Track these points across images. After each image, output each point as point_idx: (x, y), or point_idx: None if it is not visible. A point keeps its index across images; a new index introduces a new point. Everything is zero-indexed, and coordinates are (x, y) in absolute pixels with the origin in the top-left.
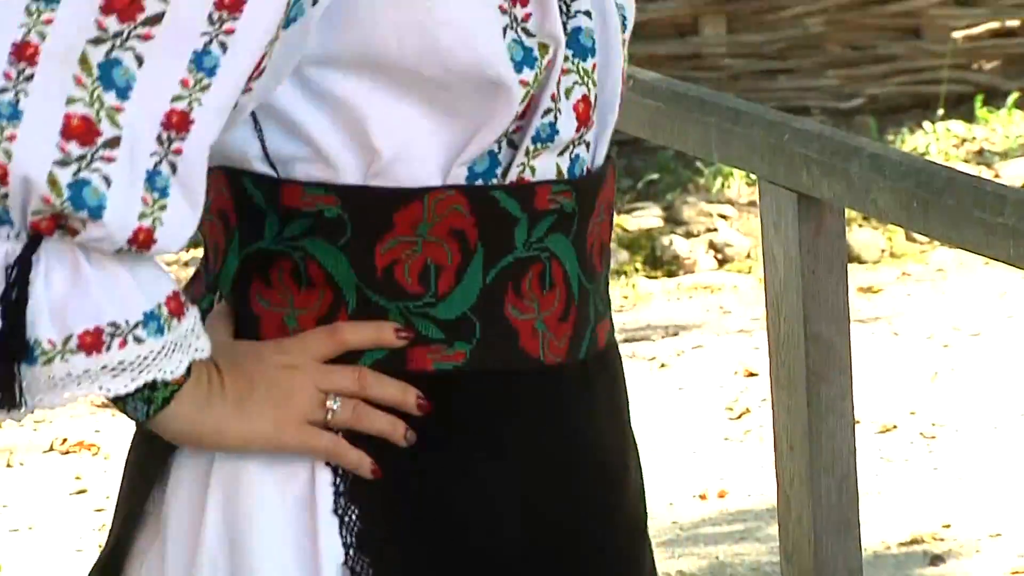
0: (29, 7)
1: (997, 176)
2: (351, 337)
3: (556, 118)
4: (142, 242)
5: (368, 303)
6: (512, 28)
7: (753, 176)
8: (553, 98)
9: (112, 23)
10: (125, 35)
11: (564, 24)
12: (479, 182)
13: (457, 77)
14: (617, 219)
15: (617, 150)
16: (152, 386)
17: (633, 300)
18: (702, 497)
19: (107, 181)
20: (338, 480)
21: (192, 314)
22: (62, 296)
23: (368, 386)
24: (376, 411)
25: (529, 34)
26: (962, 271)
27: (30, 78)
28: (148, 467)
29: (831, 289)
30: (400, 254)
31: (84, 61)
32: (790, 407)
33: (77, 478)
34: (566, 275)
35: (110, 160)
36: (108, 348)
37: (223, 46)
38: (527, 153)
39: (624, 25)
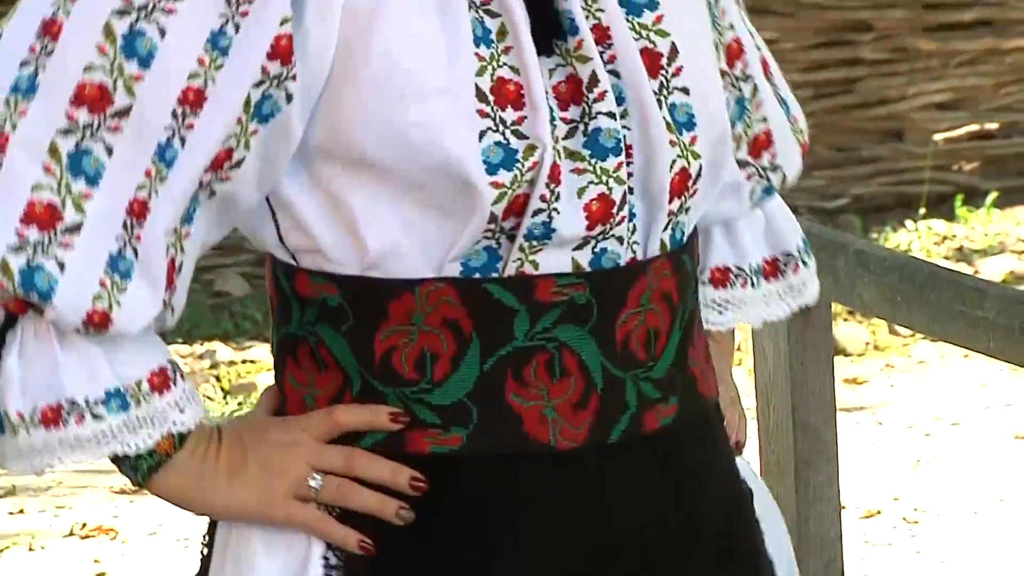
0: (8, 99)
1: (977, 272)
2: (347, 419)
3: (551, 217)
4: (97, 324)
5: (370, 387)
6: (496, 131)
7: None
8: (543, 198)
9: (82, 115)
10: (95, 126)
11: (583, 123)
12: (477, 275)
13: (430, 176)
14: None
15: None
16: (126, 460)
17: None
18: None
19: (61, 266)
20: (330, 555)
21: (179, 389)
22: (32, 372)
23: (357, 466)
24: (362, 489)
25: (521, 136)
26: (943, 363)
27: (0, 166)
28: (209, 532)
29: (818, 380)
30: (397, 342)
31: (54, 151)
32: (779, 493)
33: (96, 561)
34: (582, 364)
35: (67, 246)
36: (66, 424)
37: (184, 139)
38: (522, 249)
39: (684, 126)
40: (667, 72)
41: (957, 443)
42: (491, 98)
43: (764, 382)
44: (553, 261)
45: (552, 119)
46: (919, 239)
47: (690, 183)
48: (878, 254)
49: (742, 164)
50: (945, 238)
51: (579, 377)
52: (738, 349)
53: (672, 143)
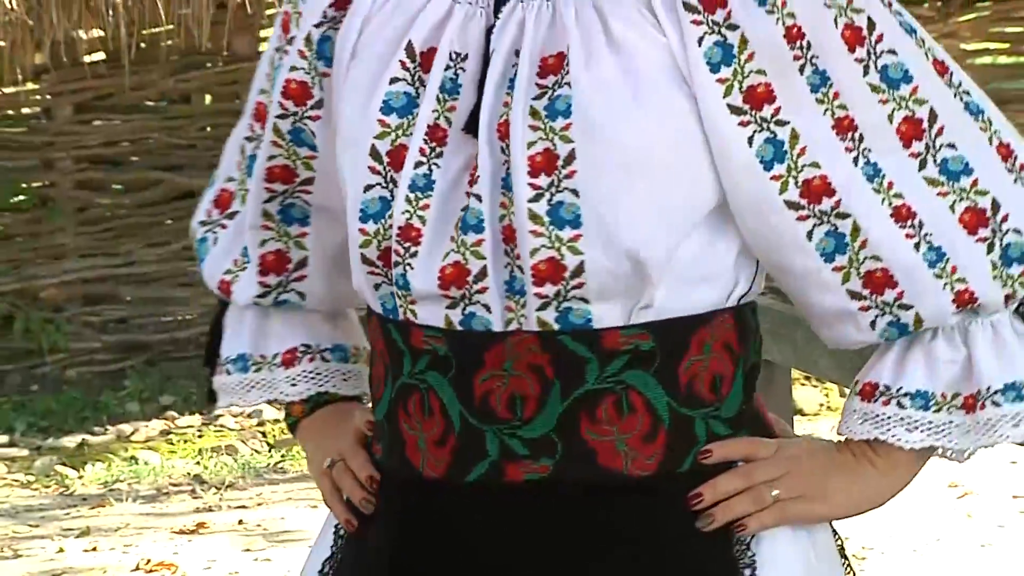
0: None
1: None
2: (361, 422)
3: (405, 271)
4: (224, 291)
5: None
6: (384, 187)
7: None
8: (398, 253)
9: (257, 128)
10: (260, 138)
11: (467, 203)
12: (388, 315)
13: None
14: None
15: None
16: (287, 415)
17: None
18: None
19: (215, 241)
20: (339, 527)
21: (300, 368)
22: (221, 332)
23: (347, 457)
24: (349, 476)
25: (393, 195)
26: None
27: (222, 166)
28: None
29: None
30: (373, 360)
31: (243, 152)
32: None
33: None
34: (443, 407)
35: (224, 227)
36: (218, 373)
37: (258, 153)
38: (400, 297)
39: (568, 223)
40: (560, 172)
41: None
42: (386, 159)
43: None
44: (428, 313)
45: (426, 188)
46: None
47: (567, 275)
48: None
49: (855, 295)
50: None
51: (440, 417)
52: None
53: (536, 233)
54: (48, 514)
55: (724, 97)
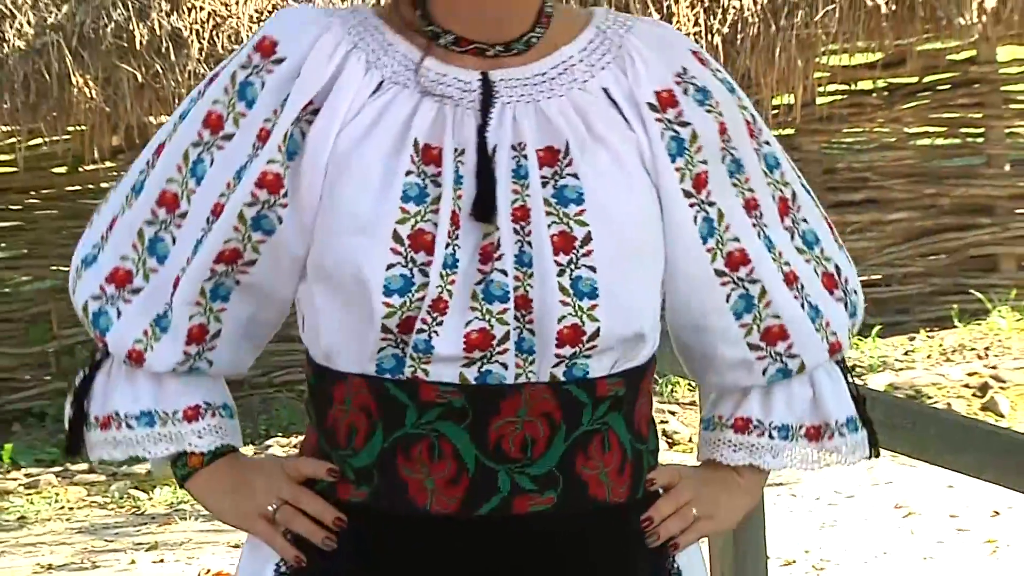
0: (127, 195)
1: (866, 384)
2: (304, 469)
3: (431, 338)
4: (135, 360)
5: (322, 447)
6: (404, 266)
7: (694, 383)
8: (425, 322)
9: (162, 213)
10: (168, 223)
11: (487, 273)
12: (385, 375)
13: (348, 287)
14: None
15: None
16: (176, 464)
17: None
18: None
19: (118, 314)
20: (280, 564)
21: (205, 423)
22: (100, 390)
23: (301, 500)
24: (302, 518)
25: (424, 274)
26: None
27: (107, 240)
28: None
29: None
30: (339, 415)
31: (140, 235)
32: (722, 547)
33: None
34: (456, 451)
35: (128, 302)
36: (110, 428)
37: (204, 238)
38: (413, 359)
39: (587, 295)
40: (578, 252)
41: (852, 510)
42: (407, 242)
43: None
44: (442, 372)
45: (453, 266)
46: None
47: (585, 338)
48: None
49: (754, 347)
50: (854, 366)
51: (452, 460)
52: (689, 440)
53: (564, 303)
54: (122, 531)
55: (680, 183)
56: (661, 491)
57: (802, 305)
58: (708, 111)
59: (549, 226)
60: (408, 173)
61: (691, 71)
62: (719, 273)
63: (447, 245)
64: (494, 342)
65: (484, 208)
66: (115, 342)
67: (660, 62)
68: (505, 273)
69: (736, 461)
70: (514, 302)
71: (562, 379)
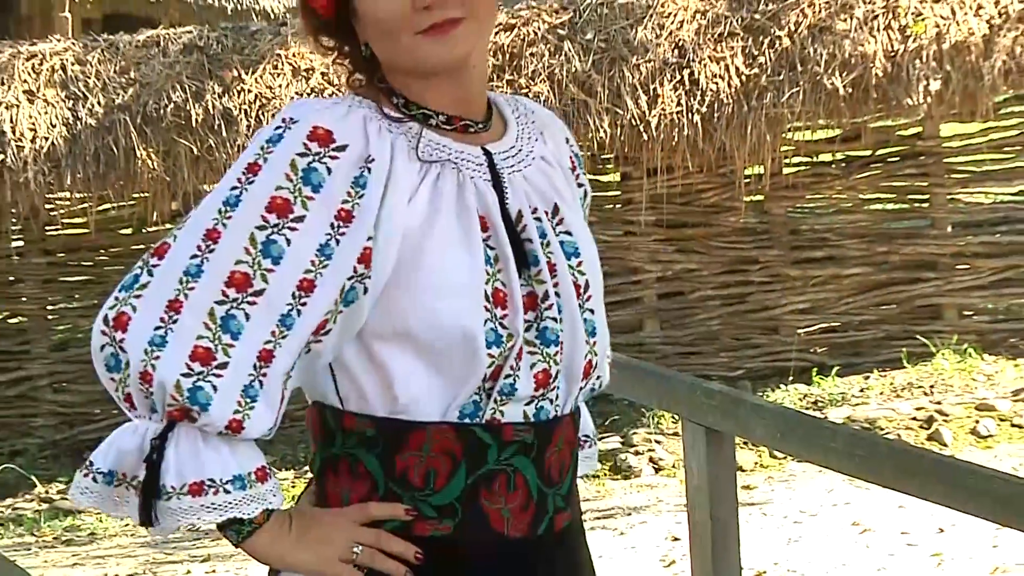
0: (182, 279)
1: (827, 418)
2: (378, 512)
3: (515, 381)
4: (234, 429)
5: (392, 491)
6: (491, 321)
7: (677, 416)
8: (512, 368)
9: (232, 293)
10: (240, 300)
11: (536, 323)
12: (466, 420)
13: (450, 347)
14: None
15: (594, 399)
16: (240, 523)
17: (603, 494)
18: None
19: (215, 388)
20: None
21: (272, 481)
22: (183, 459)
23: (384, 542)
24: (384, 557)
25: (503, 327)
26: (806, 476)
27: (176, 322)
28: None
29: (724, 487)
30: (413, 462)
31: (212, 314)
32: (702, 560)
33: None
34: (526, 481)
35: (219, 376)
36: (205, 494)
37: (299, 312)
38: (495, 402)
39: (590, 333)
40: (583, 298)
41: (814, 527)
42: (491, 300)
43: (691, 488)
44: (512, 412)
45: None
46: (788, 397)
47: (592, 370)
48: (765, 406)
49: None
50: (805, 395)
51: (524, 490)
52: (673, 467)
53: (586, 342)
54: (179, 545)
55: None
56: None
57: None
58: (584, 176)
59: (572, 277)
60: (484, 240)
61: (571, 142)
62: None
63: (520, 299)
64: (551, 381)
65: (524, 262)
66: (217, 414)
67: (559, 136)
68: (555, 320)
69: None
70: (560, 344)
71: (574, 409)
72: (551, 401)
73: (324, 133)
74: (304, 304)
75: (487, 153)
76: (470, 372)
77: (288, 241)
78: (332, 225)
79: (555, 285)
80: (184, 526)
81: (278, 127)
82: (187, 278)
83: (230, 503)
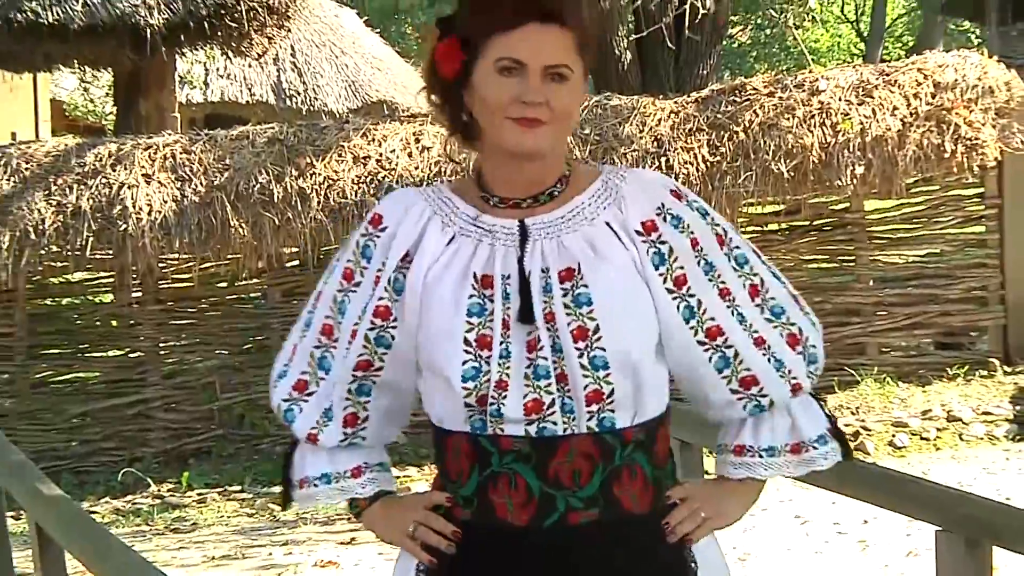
0: (301, 329)
1: None
2: (434, 499)
3: (500, 408)
4: (311, 440)
5: (444, 483)
6: (474, 361)
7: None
8: (493, 398)
9: (323, 340)
10: (327, 346)
11: (532, 363)
12: (476, 432)
13: (439, 379)
14: None
15: None
16: (353, 504)
17: None
18: None
19: (300, 409)
20: (419, 567)
21: (366, 477)
22: (296, 463)
23: (429, 521)
24: (431, 533)
25: (487, 364)
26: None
27: (291, 361)
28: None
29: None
30: (451, 462)
31: (312, 356)
32: None
33: None
34: (527, 484)
35: (306, 402)
36: (304, 487)
37: (347, 355)
38: (492, 421)
39: (600, 367)
40: (591, 338)
41: (765, 519)
42: (474, 344)
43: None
44: (513, 429)
45: (507, 356)
46: None
47: (604, 398)
48: None
49: (735, 391)
50: None
51: (524, 490)
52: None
53: (585, 375)
54: (262, 532)
55: (663, 284)
56: (678, 502)
57: (768, 360)
58: (681, 232)
59: (569, 323)
60: (471, 296)
61: (667, 205)
62: (700, 343)
63: (501, 343)
64: (544, 407)
65: (526, 314)
66: (299, 429)
67: (645, 201)
68: (546, 359)
69: (737, 475)
70: (555, 378)
71: (597, 429)
72: (554, 423)
73: (377, 218)
74: (349, 348)
75: (522, 225)
76: (455, 398)
77: (349, 301)
78: (372, 287)
79: (552, 331)
80: (303, 508)
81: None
82: (304, 328)
83: (320, 494)
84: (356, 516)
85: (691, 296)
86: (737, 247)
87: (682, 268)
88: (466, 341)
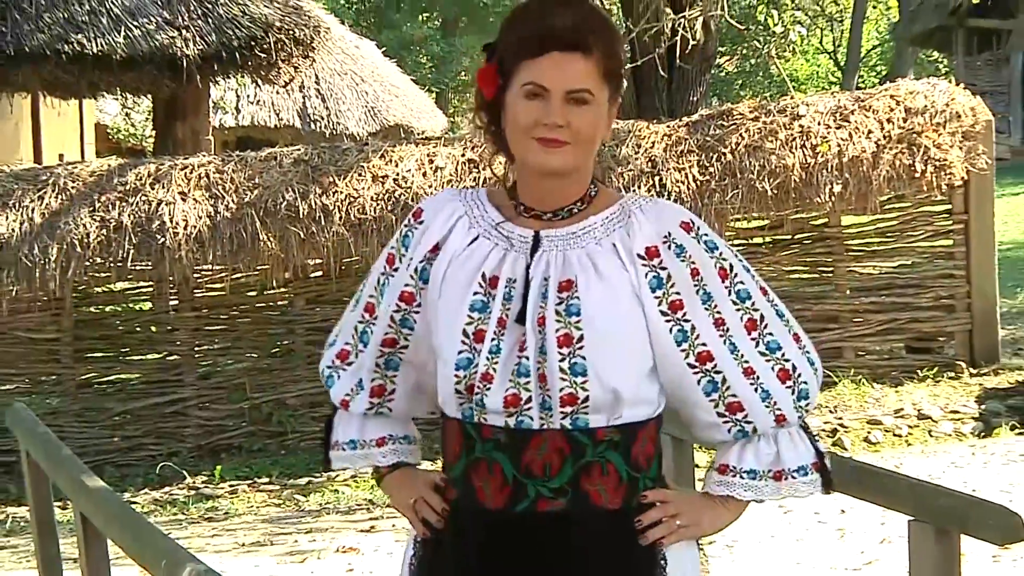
0: (352, 305)
1: None
2: (433, 478)
3: (483, 397)
4: (344, 406)
5: (444, 465)
6: (468, 352)
7: None
8: (479, 388)
9: (366, 316)
10: (369, 321)
11: (519, 361)
12: (465, 419)
13: (440, 364)
14: None
15: None
16: (376, 471)
17: None
18: None
19: (339, 376)
20: (416, 537)
21: (389, 447)
22: (336, 427)
23: (426, 496)
24: (426, 507)
25: (477, 356)
26: None
27: (340, 332)
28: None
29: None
30: (448, 444)
31: (355, 329)
32: None
33: (349, 567)
34: (502, 470)
35: (344, 370)
36: (335, 449)
37: (377, 331)
38: (476, 411)
39: (580, 373)
40: (575, 346)
41: (750, 508)
42: (472, 337)
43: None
44: (495, 419)
45: (497, 352)
46: None
47: (579, 402)
48: None
49: (721, 415)
50: None
51: (500, 476)
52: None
53: (563, 379)
54: (289, 521)
55: (658, 306)
56: (657, 504)
57: (756, 389)
58: (682, 260)
59: (557, 329)
60: (475, 293)
61: (674, 235)
62: (691, 366)
63: (493, 339)
64: (521, 402)
65: (522, 316)
66: (335, 394)
67: (653, 229)
68: (529, 359)
69: (718, 492)
70: (537, 377)
71: (570, 427)
72: (531, 417)
73: (419, 211)
74: (379, 326)
75: (536, 235)
76: (449, 384)
77: (388, 284)
78: (406, 273)
79: (541, 334)
80: (337, 468)
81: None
82: (354, 305)
83: (347, 457)
84: (377, 482)
85: (685, 321)
86: (741, 283)
87: (679, 294)
88: (464, 333)
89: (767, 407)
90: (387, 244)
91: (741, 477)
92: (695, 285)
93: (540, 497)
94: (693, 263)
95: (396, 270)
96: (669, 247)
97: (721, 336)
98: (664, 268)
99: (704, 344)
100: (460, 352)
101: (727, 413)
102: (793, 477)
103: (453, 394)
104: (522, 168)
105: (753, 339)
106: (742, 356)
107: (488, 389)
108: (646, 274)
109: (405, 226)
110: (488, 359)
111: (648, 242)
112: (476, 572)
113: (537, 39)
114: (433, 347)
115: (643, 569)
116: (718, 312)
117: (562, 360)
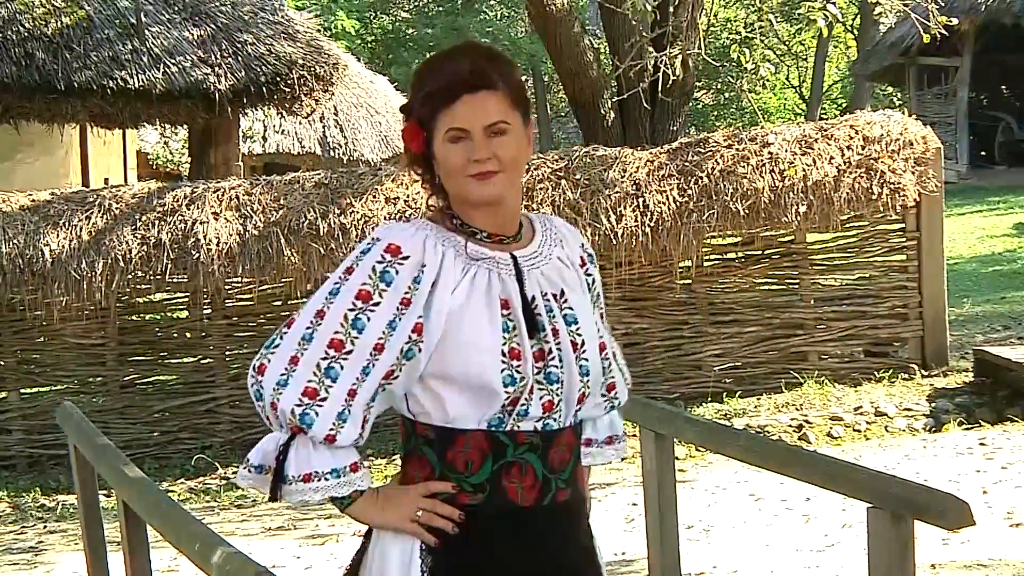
0: (300, 342)
1: (733, 425)
2: (433, 487)
3: (528, 407)
4: (329, 440)
5: (444, 474)
6: (508, 369)
7: (636, 423)
8: (524, 400)
9: (331, 352)
10: (337, 357)
11: (544, 369)
12: (493, 429)
13: (477, 386)
14: None
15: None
16: (341, 497)
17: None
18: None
19: (317, 414)
20: (424, 547)
21: (362, 471)
22: (299, 458)
23: (436, 507)
24: (438, 517)
25: (518, 372)
26: (720, 463)
27: (294, 371)
28: (366, 537)
29: (666, 471)
30: (458, 455)
31: (318, 366)
32: (651, 518)
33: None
34: (535, 470)
35: (320, 406)
36: (312, 480)
37: (374, 365)
38: (514, 419)
39: (585, 375)
40: (579, 351)
41: (725, 497)
42: (508, 356)
43: (645, 471)
44: (526, 425)
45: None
46: (709, 412)
47: (585, 399)
48: (693, 418)
49: (603, 396)
50: (719, 411)
51: (532, 475)
52: (633, 458)
53: (580, 381)
54: (310, 507)
55: (594, 304)
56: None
57: (620, 371)
58: (594, 266)
59: (569, 338)
60: (503, 317)
61: (585, 246)
62: (603, 358)
63: (528, 355)
64: (555, 406)
65: (535, 329)
66: (317, 431)
67: (574, 240)
68: (557, 367)
69: (586, 463)
70: (560, 383)
71: (574, 423)
72: (555, 419)
73: (395, 247)
74: (377, 360)
75: (513, 257)
76: (494, 402)
77: (368, 318)
78: (398, 308)
79: (557, 344)
80: (297, 502)
81: (368, 243)
82: (303, 342)
83: (329, 487)
84: (343, 509)
85: (601, 317)
86: (599, 293)
87: (598, 296)
88: (503, 353)
89: (626, 385)
90: (330, 284)
91: (601, 447)
92: (595, 291)
93: (559, 489)
94: (595, 268)
95: (376, 305)
96: (588, 256)
97: (604, 328)
98: (590, 274)
99: (602, 336)
100: (503, 371)
101: (607, 392)
102: (623, 440)
103: (498, 409)
104: (465, 203)
105: (607, 328)
106: (612, 343)
107: (530, 399)
108: (584, 279)
109: (379, 262)
110: (533, 373)
111: (578, 253)
112: (519, 567)
113: (446, 89)
114: (430, 373)
115: (592, 540)
116: (602, 307)
117: (576, 364)
